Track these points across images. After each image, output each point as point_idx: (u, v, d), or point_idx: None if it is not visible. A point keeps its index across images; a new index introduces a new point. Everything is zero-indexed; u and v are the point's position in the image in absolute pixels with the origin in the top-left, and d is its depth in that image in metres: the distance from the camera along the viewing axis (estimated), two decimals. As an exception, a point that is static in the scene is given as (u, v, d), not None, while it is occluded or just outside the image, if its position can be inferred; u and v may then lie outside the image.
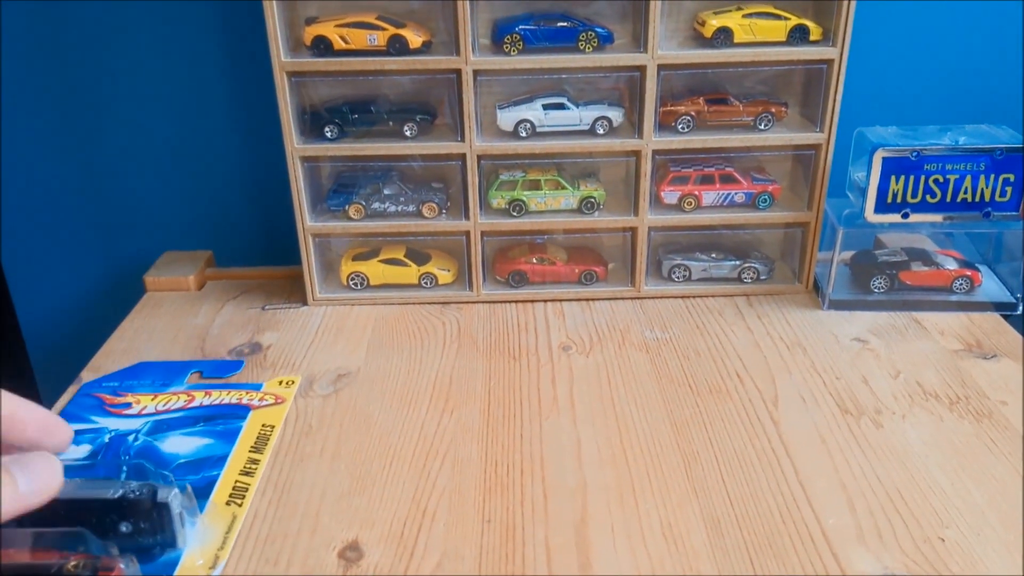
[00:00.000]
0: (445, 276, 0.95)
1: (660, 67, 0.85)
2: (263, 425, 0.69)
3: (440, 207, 0.92)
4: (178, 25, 1.02)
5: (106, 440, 0.64)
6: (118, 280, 1.16)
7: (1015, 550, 0.58)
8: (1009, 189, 0.85)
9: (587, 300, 0.96)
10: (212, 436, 0.67)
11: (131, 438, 0.64)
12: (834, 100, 0.87)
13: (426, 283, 0.95)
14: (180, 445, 0.65)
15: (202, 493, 0.60)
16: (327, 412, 0.74)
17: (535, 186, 0.92)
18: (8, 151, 1.09)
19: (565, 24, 0.86)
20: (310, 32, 0.85)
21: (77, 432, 0.59)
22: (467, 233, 0.92)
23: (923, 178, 0.85)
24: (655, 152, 0.89)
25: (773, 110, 0.90)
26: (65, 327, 1.19)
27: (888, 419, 0.73)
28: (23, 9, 1.01)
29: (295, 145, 0.88)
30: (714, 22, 0.86)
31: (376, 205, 0.92)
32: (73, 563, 0.48)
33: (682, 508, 0.63)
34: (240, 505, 0.60)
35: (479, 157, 0.89)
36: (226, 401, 0.71)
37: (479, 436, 0.71)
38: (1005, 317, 0.89)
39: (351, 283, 0.95)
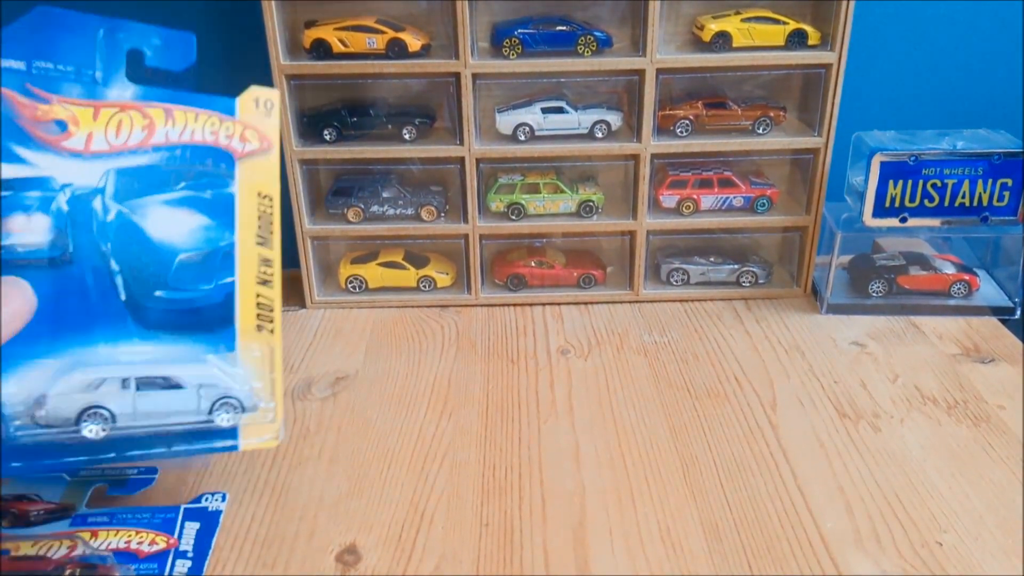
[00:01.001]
0: (444, 279, 0.95)
1: (659, 71, 0.85)
2: (259, 196, 0.51)
3: (439, 210, 0.92)
4: (177, 28, 1.02)
5: (63, 208, 0.44)
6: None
7: (1013, 554, 0.58)
8: (1007, 194, 0.85)
9: (585, 304, 0.96)
10: (202, 209, 0.49)
11: (98, 206, 0.45)
12: (832, 104, 0.87)
13: (425, 286, 0.95)
14: (168, 224, 0.47)
15: (217, 314, 0.49)
16: (325, 415, 0.74)
17: (534, 189, 0.92)
18: None
19: (564, 28, 0.86)
20: (309, 35, 0.85)
21: (11, 187, 0.43)
22: (466, 236, 0.92)
23: (921, 182, 0.85)
24: (654, 156, 0.89)
25: (772, 114, 0.90)
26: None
27: (886, 423, 0.73)
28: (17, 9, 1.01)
29: (293, 148, 0.88)
30: (713, 26, 0.86)
31: (375, 208, 0.92)
32: (69, 572, 0.48)
33: (680, 512, 0.63)
34: (272, 332, 0.50)
35: (478, 160, 0.89)
36: (199, 137, 0.49)
37: (477, 439, 0.71)
38: (1003, 321, 0.89)
39: (349, 286, 0.95)
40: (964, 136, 0.87)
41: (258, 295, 0.48)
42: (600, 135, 0.90)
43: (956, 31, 1.03)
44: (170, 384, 0.47)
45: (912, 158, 0.85)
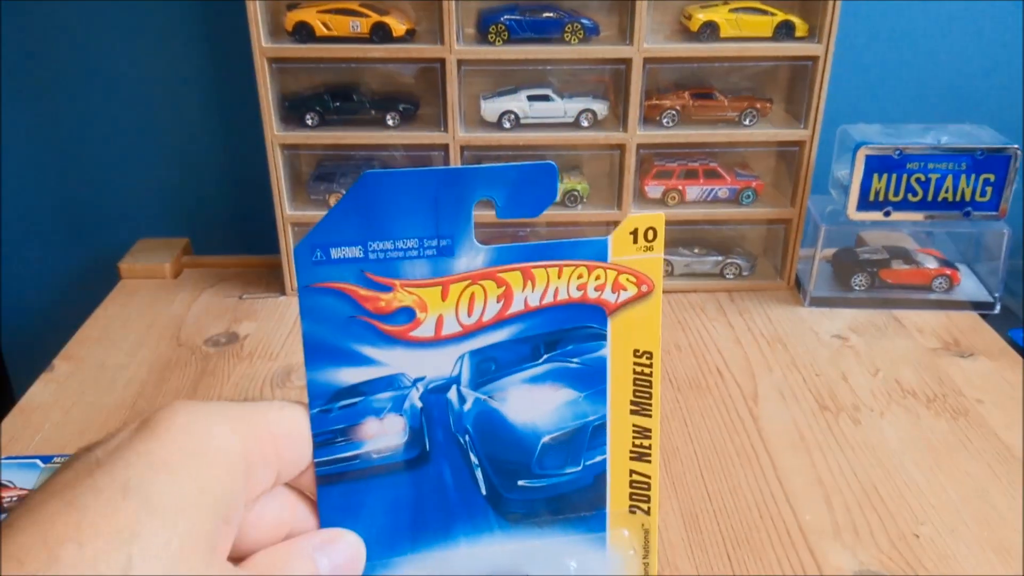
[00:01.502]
0: (426, 267, 0.94)
1: (646, 60, 0.85)
2: (636, 354, 0.41)
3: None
4: (157, 10, 1.01)
5: (417, 404, 0.39)
6: (92, 267, 1.14)
7: (988, 547, 0.59)
8: (989, 189, 0.85)
9: (568, 293, 0.95)
10: (569, 381, 0.41)
11: (453, 397, 0.40)
12: (819, 97, 0.87)
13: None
14: (530, 404, 0.40)
15: (586, 499, 0.41)
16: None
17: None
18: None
19: (551, 15, 0.85)
20: (292, 17, 0.83)
21: (360, 392, 0.38)
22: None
23: (905, 176, 0.85)
24: (639, 146, 0.89)
25: (758, 106, 0.89)
26: (37, 314, 1.17)
27: (866, 416, 0.73)
28: (17, 8, 0.99)
29: (275, 132, 0.87)
30: (701, 16, 0.85)
31: (357, 194, 0.91)
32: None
33: (661, 503, 0.63)
34: (648, 512, 0.41)
35: (462, 148, 0.88)
36: (563, 296, 0.40)
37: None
38: (983, 316, 0.90)
39: (330, 273, 0.94)
40: (948, 131, 0.87)
41: (632, 472, 0.39)
42: (586, 124, 0.89)
43: (942, 26, 1.04)
44: None
45: (897, 152, 0.85)
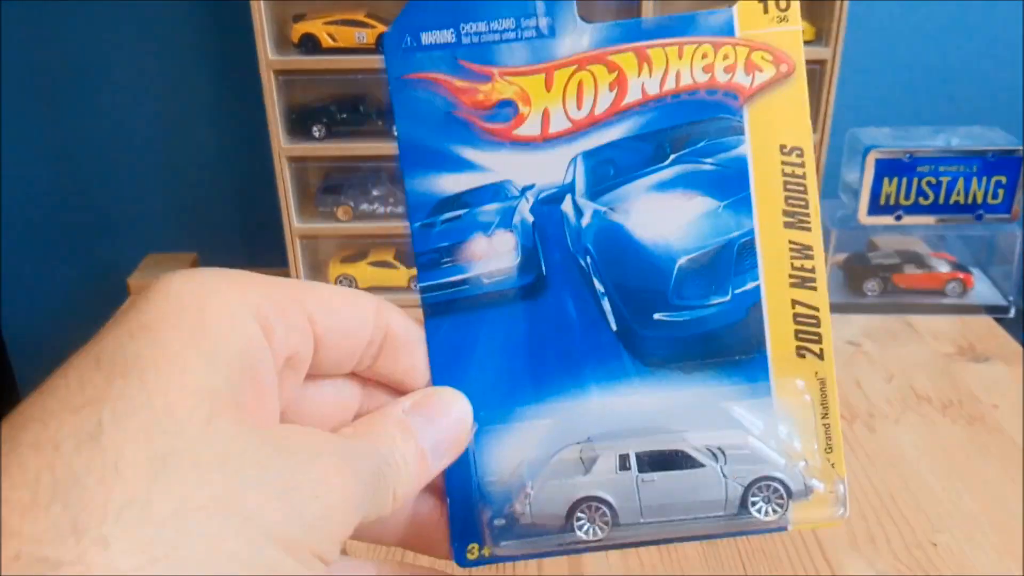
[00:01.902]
0: (434, 278, 0.94)
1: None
2: (783, 151, 0.32)
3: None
4: (163, 22, 1.01)
5: (528, 218, 0.32)
6: (101, 283, 1.14)
7: (1007, 554, 0.58)
8: (1001, 191, 0.85)
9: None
10: (703, 187, 0.33)
11: (568, 209, 0.32)
12: (827, 101, 0.86)
13: (416, 286, 0.94)
14: (659, 216, 0.32)
15: (739, 337, 0.32)
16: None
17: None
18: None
19: (556, 24, 0.85)
20: (298, 29, 0.84)
21: (464, 203, 0.32)
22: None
23: (916, 180, 0.85)
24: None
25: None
26: (47, 331, 1.17)
27: (881, 423, 0.72)
28: (11, 8, 1.00)
29: (282, 144, 0.86)
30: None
31: (365, 206, 0.91)
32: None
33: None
34: (820, 356, 0.32)
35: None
36: (687, 81, 0.32)
37: (468, 440, 0.70)
38: (998, 320, 0.89)
39: (339, 285, 0.94)
40: (959, 133, 0.87)
41: (795, 304, 0.31)
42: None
43: (951, 27, 1.03)
44: (686, 462, 0.31)
45: (907, 155, 0.84)
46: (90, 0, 1.00)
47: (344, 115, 0.88)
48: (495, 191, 0.31)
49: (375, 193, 0.91)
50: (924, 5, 1.02)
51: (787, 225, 0.31)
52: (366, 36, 0.84)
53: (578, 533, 0.31)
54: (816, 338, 0.31)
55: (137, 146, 1.08)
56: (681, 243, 0.31)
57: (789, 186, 0.32)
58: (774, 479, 0.31)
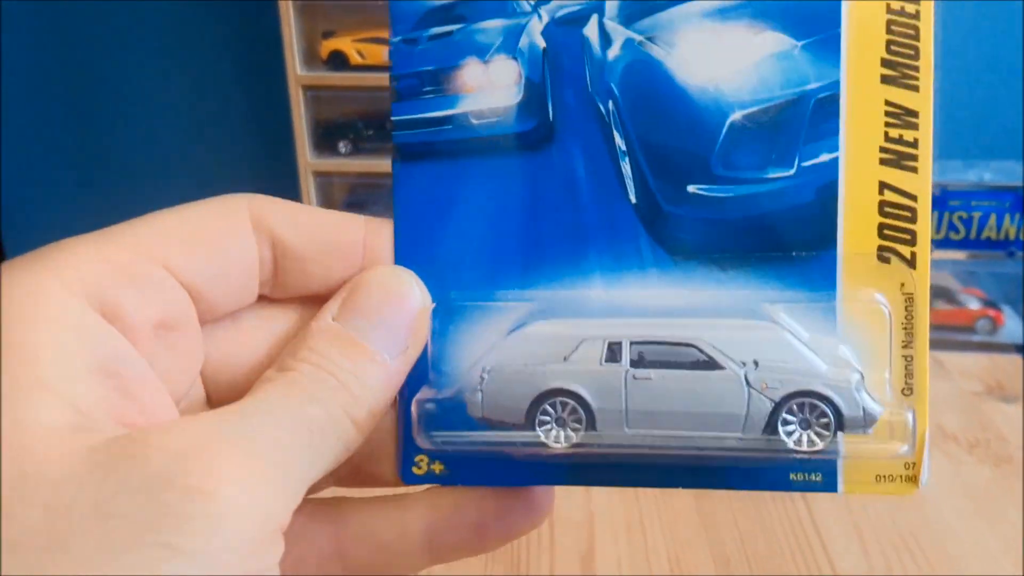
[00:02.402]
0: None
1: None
2: None
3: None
4: (192, 37, 1.02)
5: (539, 43, 0.24)
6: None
7: None
8: (1034, 228, 0.83)
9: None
10: (775, 20, 0.24)
11: (592, 36, 0.24)
12: (856, 132, 0.85)
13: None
14: (713, 54, 0.24)
15: (803, 226, 0.24)
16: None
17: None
18: (15, 162, 1.09)
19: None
20: (327, 46, 0.84)
21: (460, 16, 0.24)
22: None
23: (947, 214, 0.83)
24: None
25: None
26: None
27: (905, 460, 0.71)
28: (35, 25, 1.01)
29: (308, 160, 0.87)
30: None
31: (388, 222, 0.91)
32: None
33: (691, 543, 0.61)
34: (911, 260, 0.24)
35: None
36: None
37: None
38: (1027, 359, 0.87)
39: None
40: (991, 168, 0.86)
41: (884, 188, 0.22)
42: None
43: (982, 60, 1.02)
44: (698, 360, 0.23)
45: (939, 189, 0.83)
46: (117, 16, 1.01)
47: (371, 132, 0.88)
48: (500, 3, 0.23)
49: (399, 210, 0.91)
50: (952, 37, 1.01)
51: (886, 80, 0.23)
52: (395, 54, 0.84)
53: (539, 433, 0.23)
54: (908, 237, 0.23)
55: (165, 159, 1.09)
56: (737, 92, 0.23)
57: (894, 28, 0.23)
58: (818, 395, 0.23)
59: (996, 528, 0.63)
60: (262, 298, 0.24)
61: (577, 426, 0.24)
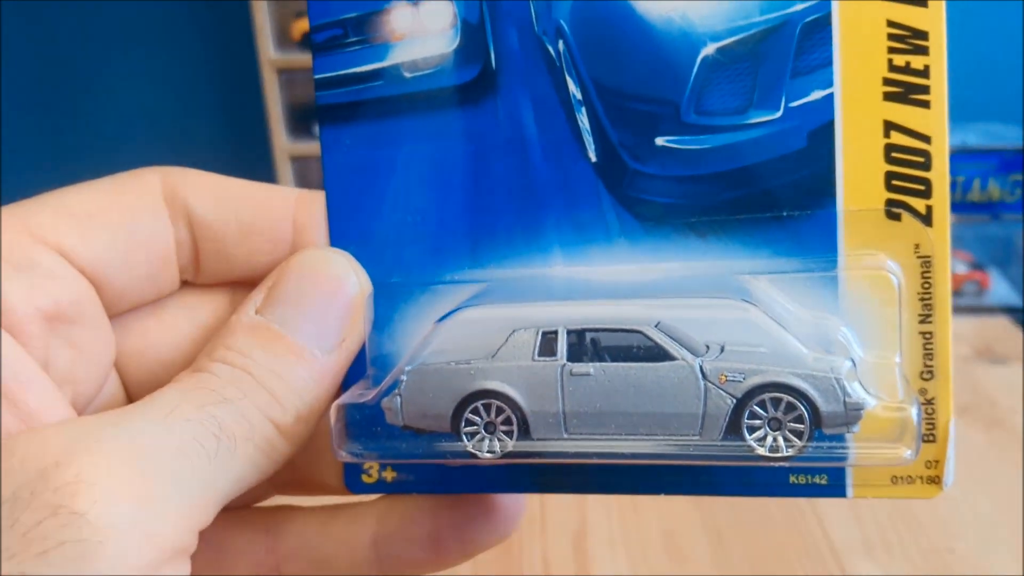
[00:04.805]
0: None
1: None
2: None
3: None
4: (162, 22, 1.01)
5: None
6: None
7: (1029, 563, 0.56)
8: (1019, 190, 0.83)
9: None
10: None
11: None
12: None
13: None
14: None
15: (792, 178, 0.19)
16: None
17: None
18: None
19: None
20: (299, 27, 0.83)
21: None
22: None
23: (930, 178, 0.83)
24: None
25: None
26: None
27: (896, 426, 0.71)
28: (11, 9, 0.99)
29: (284, 144, 0.85)
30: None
31: (368, 205, 0.90)
32: None
33: (684, 518, 0.61)
34: (927, 217, 0.20)
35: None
36: None
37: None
38: (1016, 321, 0.87)
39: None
40: (975, 130, 0.85)
41: (891, 129, 0.18)
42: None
43: (964, 23, 1.01)
44: (644, 349, 0.20)
45: (921, 153, 0.83)
46: (89, 1, 0.99)
47: (348, 113, 0.87)
48: None
49: (379, 192, 0.90)
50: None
51: None
52: (370, 33, 0.83)
53: (467, 444, 0.20)
54: (922, 188, 0.18)
55: (137, 145, 1.07)
56: (709, 21, 0.18)
57: None
58: (788, 388, 0.19)
59: (989, 492, 0.63)
60: (187, 285, 0.22)
61: (509, 431, 0.20)
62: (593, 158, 0.20)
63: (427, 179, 0.21)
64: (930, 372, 0.21)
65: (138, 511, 0.15)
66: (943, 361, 0.21)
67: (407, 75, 0.20)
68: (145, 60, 1.01)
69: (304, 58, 0.82)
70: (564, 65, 0.19)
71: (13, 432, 0.17)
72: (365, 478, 0.22)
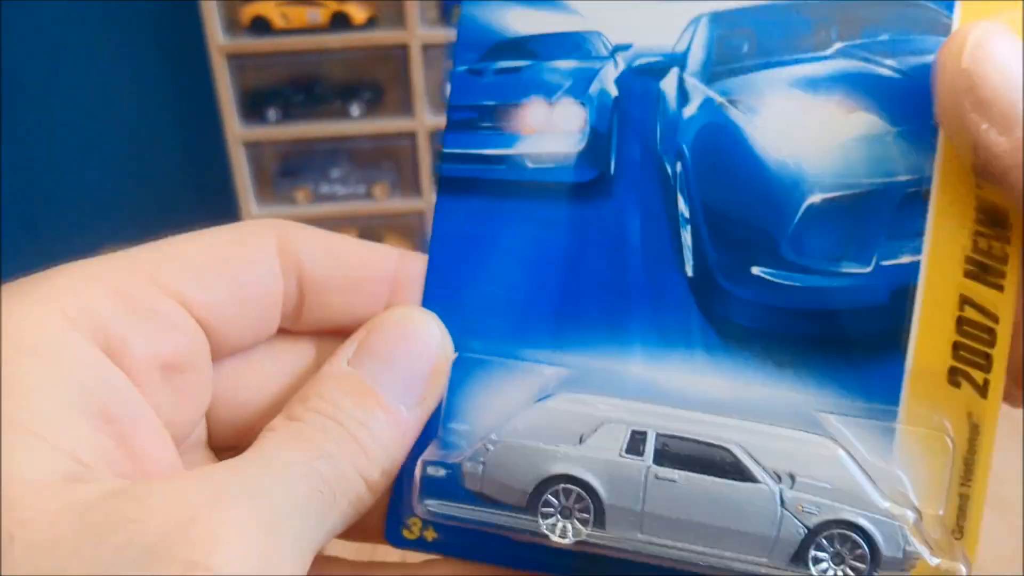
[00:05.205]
0: (400, 259, 0.93)
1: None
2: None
3: (392, 187, 0.90)
4: (109, 7, 0.98)
5: (610, 91, 0.22)
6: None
7: (1015, 534, 0.58)
8: None
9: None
10: (872, 97, 0.21)
11: (670, 89, 0.22)
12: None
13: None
14: (797, 129, 0.21)
15: (871, 328, 0.20)
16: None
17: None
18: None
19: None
20: (248, 11, 0.81)
21: (532, 51, 0.22)
22: (421, 213, 0.90)
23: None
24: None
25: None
26: None
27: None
28: (18, 8, 0.96)
29: (236, 130, 0.84)
30: None
31: (324, 188, 0.89)
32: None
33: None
34: (983, 388, 0.20)
35: (431, 133, 0.87)
36: None
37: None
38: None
39: (303, 270, 0.93)
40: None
41: (965, 303, 0.20)
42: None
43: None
44: (730, 467, 0.21)
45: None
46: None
47: (299, 97, 0.86)
48: (576, 43, 0.22)
49: (335, 175, 0.89)
50: None
51: (979, 187, 0.19)
52: (318, 15, 0.81)
53: (541, 524, 0.21)
54: (983, 362, 0.19)
55: (86, 137, 1.05)
56: (819, 173, 0.20)
57: None
58: (857, 528, 0.20)
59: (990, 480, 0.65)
60: (279, 331, 0.22)
61: (585, 519, 0.21)
62: (689, 272, 0.21)
63: (526, 260, 0.21)
64: (960, 531, 0.20)
65: (263, 568, 0.16)
66: (975, 523, 0.21)
67: (530, 165, 0.21)
68: (94, 50, 0.99)
69: (254, 43, 0.81)
70: (678, 184, 0.21)
71: (127, 472, 0.17)
72: (407, 533, 0.22)
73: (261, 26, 0.82)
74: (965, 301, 0.19)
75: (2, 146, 1.06)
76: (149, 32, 1.00)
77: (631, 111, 0.21)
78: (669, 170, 0.21)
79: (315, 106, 0.86)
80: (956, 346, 0.19)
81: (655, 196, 0.21)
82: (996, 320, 0.19)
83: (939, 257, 0.19)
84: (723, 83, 0.21)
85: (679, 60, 0.21)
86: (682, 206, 0.21)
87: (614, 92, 0.21)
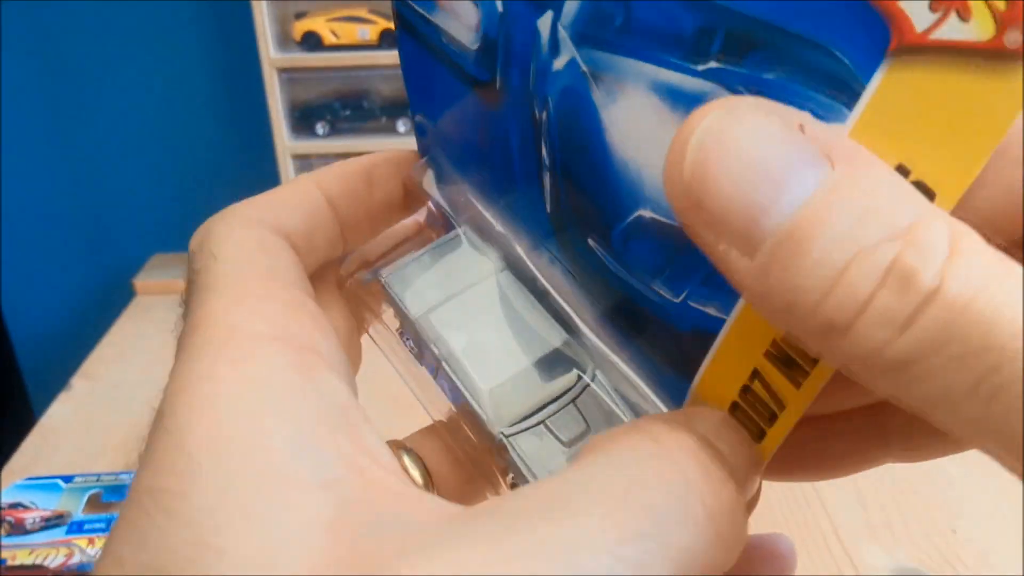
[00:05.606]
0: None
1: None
2: (898, 169, 0.14)
3: (435, 203, 0.91)
4: (164, 23, 1.01)
5: (498, 6, 0.21)
6: (107, 283, 1.14)
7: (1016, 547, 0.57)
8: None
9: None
10: None
11: (544, 32, 0.20)
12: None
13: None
14: (645, 136, 0.18)
15: (668, 347, 0.21)
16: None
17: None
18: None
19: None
20: (300, 27, 0.83)
21: None
22: (463, 229, 0.91)
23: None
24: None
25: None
26: (54, 332, 1.17)
27: (895, 411, 0.72)
28: (12, 9, 0.99)
29: (286, 143, 0.86)
30: None
31: (370, 202, 0.91)
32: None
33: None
34: (762, 434, 0.18)
35: (474, 152, 0.88)
36: None
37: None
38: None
39: (346, 282, 0.94)
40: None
41: (756, 377, 0.17)
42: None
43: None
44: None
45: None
46: (83, 3, 0.99)
47: (348, 112, 0.87)
48: None
49: (380, 189, 0.91)
50: None
51: None
52: (368, 32, 0.83)
53: None
54: (755, 431, 0.17)
55: (140, 146, 1.08)
56: (654, 190, 0.18)
57: None
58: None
59: (991, 472, 0.64)
60: None
61: None
62: (548, 209, 0.22)
63: (455, 119, 0.24)
64: None
65: None
66: None
67: (444, 40, 0.22)
68: (147, 62, 1.02)
69: (305, 58, 0.82)
70: (543, 131, 0.20)
71: (370, 478, 0.15)
72: None
73: (312, 42, 0.83)
74: (756, 376, 0.17)
75: (61, 158, 1.09)
76: (204, 46, 1.02)
77: (513, 35, 0.20)
78: (536, 114, 0.20)
79: (362, 121, 0.88)
80: (734, 406, 0.18)
81: (528, 129, 0.21)
82: (782, 408, 0.16)
83: (745, 327, 0.17)
84: (590, 51, 0.19)
85: (554, 4, 0.19)
86: (544, 153, 0.21)
87: (500, 8, 0.20)
